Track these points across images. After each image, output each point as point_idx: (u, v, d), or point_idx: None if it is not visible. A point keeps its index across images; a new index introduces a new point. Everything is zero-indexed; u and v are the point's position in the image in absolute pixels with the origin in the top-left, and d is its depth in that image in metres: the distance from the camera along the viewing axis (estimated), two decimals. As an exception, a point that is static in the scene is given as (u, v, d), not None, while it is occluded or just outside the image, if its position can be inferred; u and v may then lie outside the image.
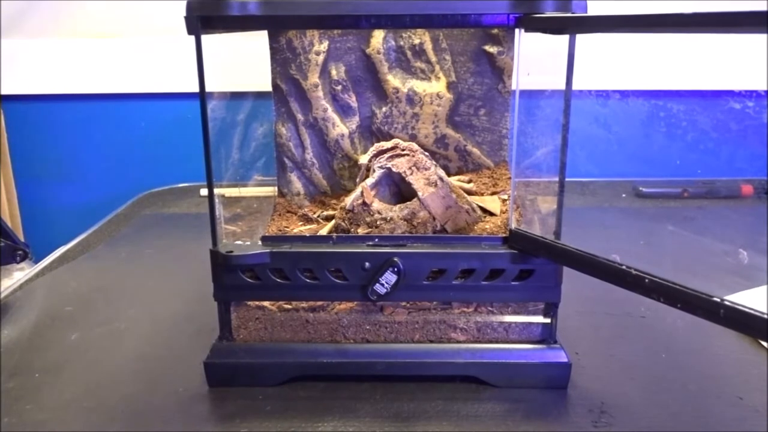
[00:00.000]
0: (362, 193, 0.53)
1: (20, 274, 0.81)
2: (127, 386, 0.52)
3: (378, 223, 0.52)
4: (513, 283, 0.50)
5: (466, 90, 0.60)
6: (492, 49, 0.58)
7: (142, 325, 0.63)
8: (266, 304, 0.53)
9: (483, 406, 0.49)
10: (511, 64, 0.58)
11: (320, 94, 0.59)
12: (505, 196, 0.58)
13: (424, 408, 0.49)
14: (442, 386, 0.51)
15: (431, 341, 0.52)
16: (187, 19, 0.45)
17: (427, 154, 0.54)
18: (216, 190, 0.49)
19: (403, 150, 0.54)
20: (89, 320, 0.64)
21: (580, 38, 0.45)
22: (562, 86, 0.46)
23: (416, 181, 0.53)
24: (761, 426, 0.46)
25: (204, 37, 0.46)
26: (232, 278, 0.50)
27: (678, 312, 0.39)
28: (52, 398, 0.51)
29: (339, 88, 0.59)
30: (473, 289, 0.50)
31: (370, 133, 0.62)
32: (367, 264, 0.49)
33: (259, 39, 0.58)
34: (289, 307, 0.53)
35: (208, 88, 0.46)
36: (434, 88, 0.59)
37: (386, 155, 0.54)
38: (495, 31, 0.58)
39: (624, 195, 1.03)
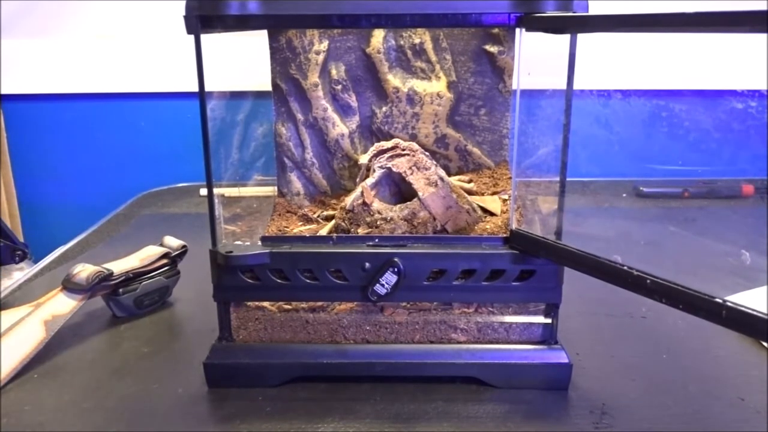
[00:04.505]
0: (362, 193, 0.53)
1: (20, 274, 0.81)
2: (126, 387, 0.52)
3: (378, 223, 0.52)
4: (514, 283, 0.50)
5: (467, 90, 0.60)
6: (492, 48, 0.58)
7: (141, 325, 0.63)
8: (266, 304, 0.53)
9: (483, 407, 0.49)
10: (511, 63, 0.58)
11: (320, 93, 0.59)
12: (506, 196, 0.58)
13: (424, 409, 0.49)
14: (442, 387, 0.51)
15: (432, 342, 0.52)
16: (187, 18, 0.45)
17: (427, 153, 0.54)
18: (216, 190, 0.49)
19: (403, 150, 0.54)
20: (88, 321, 0.64)
21: (582, 38, 0.45)
22: (563, 86, 0.46)
23: (416, 181, 0.52)
24: (762, 427, 0.46)
25: (203, 37, 0.46)
26: (232, 278, 0.50)
27: (679, 313, 0.38)
28: (51, 399, 0.51)
29: (339, 87, 0.59)
30: (474, 290, 0.50)
31: (370, 132, 0.61)
32: (367, 264, 0.49)
33: (259, 39, 0.58)
34: (289, 307, 0.53)
35: (207, 88, 0.46)
36: (434, 87, 0.59)
37: (386, 155, 0.54)
38: (496, 30, 0.57)
39: (625, 195, 1.03)
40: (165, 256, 0.66)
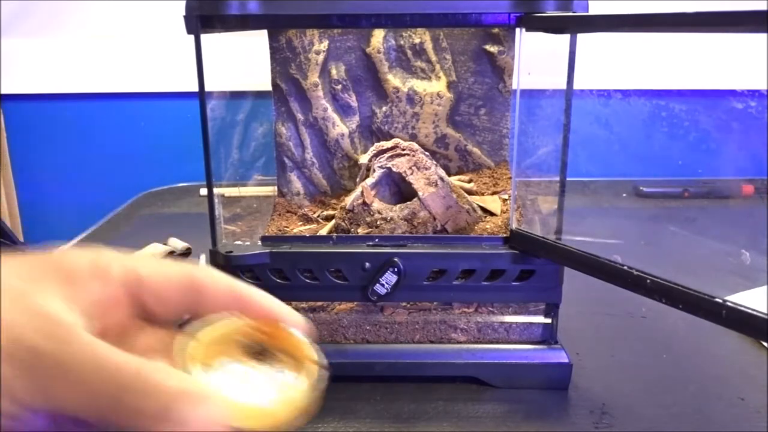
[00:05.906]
0: (362, 192, 0.53)
1: (20, 274, 0.81)
2: (126, 387, 0.52)
3: (378, 223, 0.52)
4: (514, 283, 0.50)
5: (467, 89, 0.60)
6: (492, 48, 0.58)
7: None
8: (266, 304, 0.53)
9: (483, 407, 0.49)
10: (511, 63, 0.58)
11: (320, 93, 0.59)
12: (506, 196, 0.58)
13: (424, 409, 0.49)
14: (442, 387, 0.51)
15: (432, 342, 0.52)
16: (187, 18, 0.45)
17: (427, 153, 0.54)
18: (216, 190, 0.49)
19: (403, 150, 0.54)
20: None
21: (582, 38, 0.45)
22: (563, 86, 0.46)
23: (416, 180, 0.52)
24: (762, 426, 0.46)
25: (204, 37, 0.46)
26: (232, 278, 0.50)
27: (679, 312, 0.38)
28: (51, 399, 0.51)
29: (339, 87, 0.59)
30: (474, 290, 0.50)
31: (370, 132, 0.61)
32: (367, 264, 0.49)
33: (259, 39, 0.58)
34: (289, 307, 0.53)
35: (207, 88, 0.46)
36: (434, 87, 0.59)
37: (386, 155, 0.54)
38: (496, 30, 0.57)
39: (625, 195, 1.03)
40: (169, 254, 0.66)
